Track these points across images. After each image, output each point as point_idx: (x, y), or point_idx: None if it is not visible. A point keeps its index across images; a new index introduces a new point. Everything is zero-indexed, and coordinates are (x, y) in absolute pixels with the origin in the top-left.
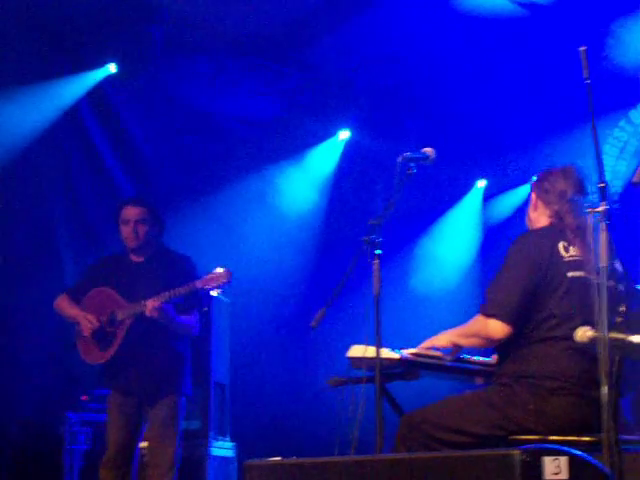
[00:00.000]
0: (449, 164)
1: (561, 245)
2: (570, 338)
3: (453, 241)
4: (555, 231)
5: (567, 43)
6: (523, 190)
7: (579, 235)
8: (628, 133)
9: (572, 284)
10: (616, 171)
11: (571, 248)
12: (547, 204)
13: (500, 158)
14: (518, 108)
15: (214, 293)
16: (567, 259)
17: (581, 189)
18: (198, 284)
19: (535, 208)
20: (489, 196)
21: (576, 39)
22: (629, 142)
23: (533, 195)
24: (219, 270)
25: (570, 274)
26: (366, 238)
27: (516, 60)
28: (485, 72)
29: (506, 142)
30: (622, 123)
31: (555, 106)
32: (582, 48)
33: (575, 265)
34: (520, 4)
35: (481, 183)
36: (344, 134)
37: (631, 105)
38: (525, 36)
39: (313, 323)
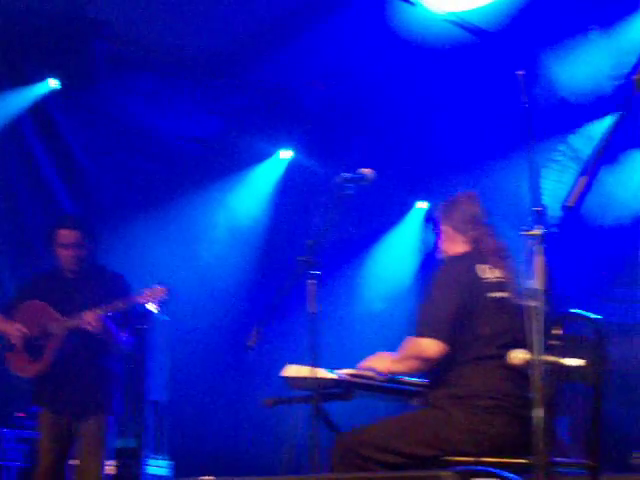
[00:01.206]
0: (391, 185)
1: (482, 268)
2: (499, 357)
3: (393, 261)
4: (474, 255)
5: (508, 67)
6: None
7: (499, 257)
8: (568, 157)
9: (496, 305)
10: (556, 195)
11: (492, 270)
12: (462, 231)
13: (441, 180)
14: (459, 130)
15: (151, 308)
16: (489, 281)
17: (487, 212)
18: (136, 299)
19: (449, 239)
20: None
21: (517, 63)
22: (569, 166)
23: (444, 227)
24: (156, 286)
25: (493, 295)
26: (303, 258)
27: (459, 83)
28: (428, 94)
29: (447, 164)
30: (562, 147)
31: (496, 129)
32: (520, 72)
33: (497, 286)
34: (464, 28)
35: (421, 204)
36: (287, 153)
37: (571, 130)
38: (468, 59)
39: (250, 342)
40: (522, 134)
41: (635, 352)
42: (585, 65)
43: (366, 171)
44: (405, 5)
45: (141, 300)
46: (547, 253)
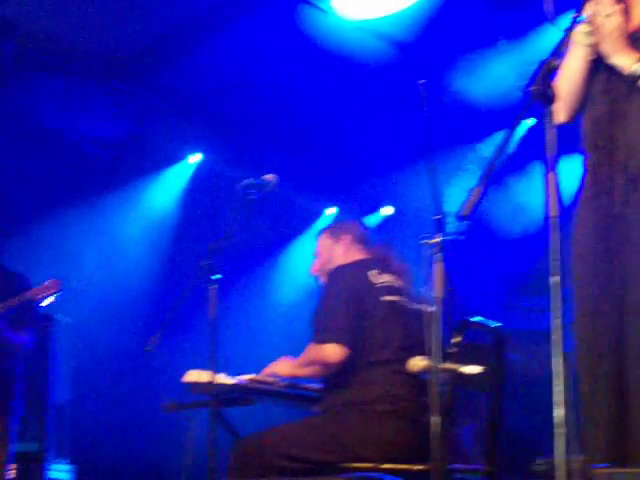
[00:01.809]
0: (301, 191)
1: (373, 273)
2: (396, 361)
3: (300, 267)
4: (366, 262)
5: (418, 75)
6: (371, 219)
7: (391, 264)
8: (477, 166)
9: (390, 309)
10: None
11: (384, 275)
12: (350, 243)
13: (351, 186)
14: (370, 137)
15: (47, 302)
16: (381, 285)
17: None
18: (28, 295)
19: (342, 251)
20: None
21: (427, 72)
22: (477, 175)
23: (330, 242)
24: (49, 281)
25: (386, 299)
26: (204, 262)
27: (369, 90)
28: (338, 100)
29: (357, 171)
30: (471, 156)
31: (405, 138)
32: (421, 81)
33: (390, 290)
34: (376, 35)
35: (330, 211)
36: (196, 157)
37: (480, 139)
38: (380, 67)
39: (148, 347)
40: (423, 143)
41: (539, 359)
42: (494, 75)
43: (269, 177)
44: (317, 11)
45: (34, 296)
46: (449, 261)
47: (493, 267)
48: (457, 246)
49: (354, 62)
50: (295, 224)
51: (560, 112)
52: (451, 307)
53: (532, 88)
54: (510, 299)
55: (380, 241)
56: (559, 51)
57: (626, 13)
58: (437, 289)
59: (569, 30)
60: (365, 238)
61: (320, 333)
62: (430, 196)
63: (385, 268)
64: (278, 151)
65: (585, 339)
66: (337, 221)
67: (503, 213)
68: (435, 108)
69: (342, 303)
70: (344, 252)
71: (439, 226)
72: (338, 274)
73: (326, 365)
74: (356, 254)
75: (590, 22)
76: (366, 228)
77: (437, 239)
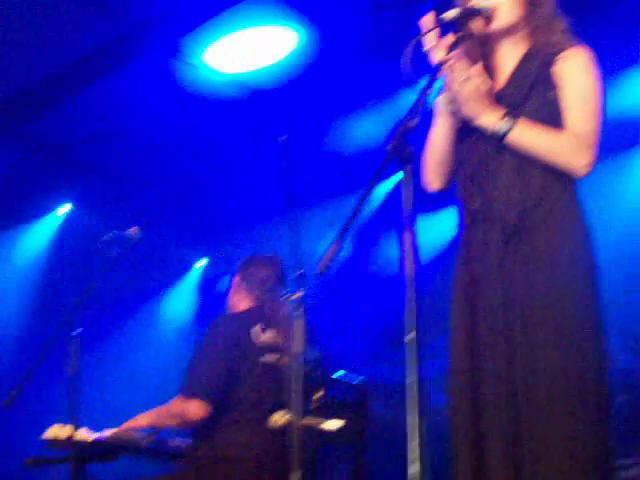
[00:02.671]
0: (170, 243)
1: (257, 329)
2: (263, 421)
3: (169, 320)
4: (254, 315)
5: (286, 130)
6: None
7: (276, 321)
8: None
9: (265, 368)
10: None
11: (267, 333)
12: (249, 289)
13: (220, 239)
14: (240, 190)
15: None
16: (261, 344)
17: (282, 279)
18: None
19: (237, 291)
20: (209, 276)
21: (295, 127)
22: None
23: (237, 278)
24: None
25: (264, 358)
26: (66, 317)
27: (241, 144)
28: (209, 153)
29: (228, 224)
30: (341, 211)
31: (274, 190)
32: (282, 138)
33: (269, 349)
34: (247, 90)
35: (200, 263)
36: (65, 208)
37: (351, 192)
38: (250, 120)
39: (6, 402)
40: (284, 198)
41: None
42: (364, 132)
43: (132, 230)
44: (188, 65)
45: None
46: (311, 316)
47: (364, 320)
48: (324, 301)
49: (225, 115)
50: (167, 275)
51: (433, 182)
52: (315, 362)
53: (388, 147)
54: (380, 352)
55: (271, 289)
56: (415, 111)
57: (490, 73)
58: (297, 344)
59: (424, 91)
60: (262, 282)
61: (187, 386)
62: (291, 251)
63: (269, 323)
64: (149, 202)
65: (451, 397)
66: (253, 257)
67: (376, 267)
68: (300, 163)
69: (216, 358)
70: (239, 298)
71: (301, 281)
72: (219, 326)
73: (186, 420)
74: (246, 302)
75: (447, 91)
76: (277, 273)
77: (298, 294)
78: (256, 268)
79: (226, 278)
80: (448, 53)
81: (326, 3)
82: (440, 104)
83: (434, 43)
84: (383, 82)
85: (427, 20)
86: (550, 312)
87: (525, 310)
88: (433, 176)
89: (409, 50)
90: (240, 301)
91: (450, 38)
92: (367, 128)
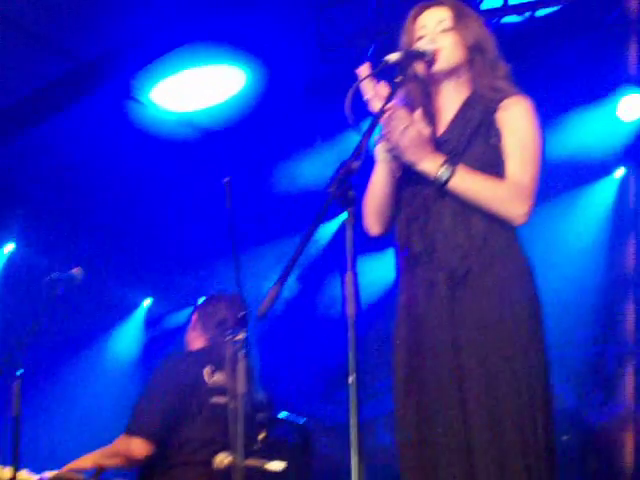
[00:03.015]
0: (116, 282)
1: (207, 370)
2: (209, 463)
3: (115, 359)
4: (205, 355)
5: (231, 170)
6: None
7: (228, 362)
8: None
9: (214, 410)
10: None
11: (217, 374)
12: (204, 329)
13: (167, 278)
14: (188, 229)
15: None
16: (211, 385)
17: (242, 320)
18: None
19: (194, 329)
20: (154, 315)
21: (241, 166)
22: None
23: (195, 316)
24: None
25: (213, 400)
26: (7, 358)
27: (190, 182)
28: (157, 191)
29: (176, 263)
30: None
31: (219, 230)
32: (225, 179)
33: (219, 391)
34: (192, 126)
35: (146, 302)
36: (8, 247)
37: (297, 232)
38: (195, 159)
39: None
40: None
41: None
42: (312, 171)
43: (75, 271)
44: (136, 103)
45: None
46: (256, 356)
47: (310, 360)
48: (269, 341)
49: (173, 154)
50: (113, 314)
51: (372, 226)
52: (260, 402)
53: (330, 189)
54: (324, 393)
55: (226, 329)
56: (358, 154)
57: (431, 117)
58: (240, 385)
59: (366, 135)
60: (219, 323)
61: (131, 424)
62: (236, 291)
63: (220, 364)
64: (94, 241)
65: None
66: (213, 296)
67: (322, 306)
68: (246, 203)
69: (162, 397)
70: (194, 336)
71: (243, 322)
72: (169, 364)
73: (129, 459)
74: (200, 341)
75: (387, 139)
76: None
77: (241, 335)
78: (214, 308)
79: (171, 317)
80: (386, 103)
81: (274, 43)
82: (379, 152)
83: (372, 93)
84: (329, 123)
85: (363, 70)
86: (501, 346)
87: (477, 349)
88: (373, 220)
89: (349, 97)
90: (195, 339)
91: (385, 89)
92: (313, 169)
